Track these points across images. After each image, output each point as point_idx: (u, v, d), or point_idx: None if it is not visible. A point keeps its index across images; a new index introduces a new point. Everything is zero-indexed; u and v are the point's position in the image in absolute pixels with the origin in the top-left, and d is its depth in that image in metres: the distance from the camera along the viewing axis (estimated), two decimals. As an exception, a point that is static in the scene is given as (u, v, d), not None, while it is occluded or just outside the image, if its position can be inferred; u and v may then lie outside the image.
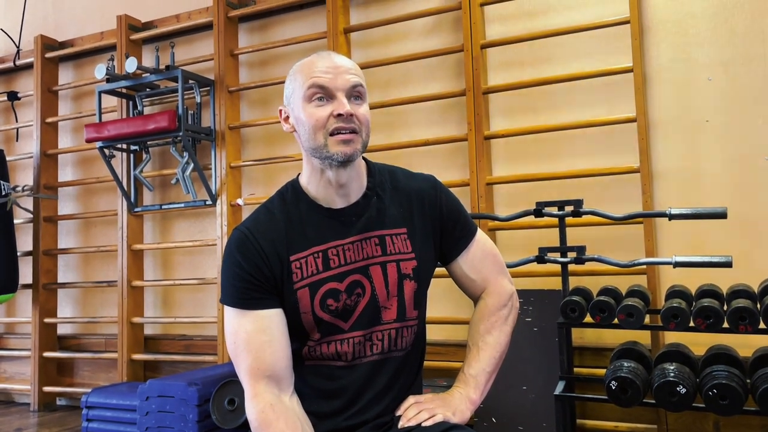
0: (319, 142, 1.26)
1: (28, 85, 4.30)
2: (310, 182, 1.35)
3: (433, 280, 1.44)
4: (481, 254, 1.45)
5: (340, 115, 1.25)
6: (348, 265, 1.32)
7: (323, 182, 1.33)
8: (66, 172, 4.22)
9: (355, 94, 1.29)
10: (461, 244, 1.43)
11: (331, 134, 1.26)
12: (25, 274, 4.06)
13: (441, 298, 2.99)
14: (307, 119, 1.27)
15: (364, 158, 1.39)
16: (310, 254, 1.31)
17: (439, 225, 1.41)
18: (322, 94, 1.27)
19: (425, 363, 1.48)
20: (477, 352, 1.40)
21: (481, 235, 1.46)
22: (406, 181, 1.42)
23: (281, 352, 1.28)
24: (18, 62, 4.29)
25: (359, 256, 1.33)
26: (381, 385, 1.35)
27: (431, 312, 2.74)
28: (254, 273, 1.28)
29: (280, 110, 1.37)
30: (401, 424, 1.30)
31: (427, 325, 1.51)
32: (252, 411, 1.25)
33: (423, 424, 1.28)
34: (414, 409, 1.32)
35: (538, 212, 2.63)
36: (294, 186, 1.38)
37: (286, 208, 1.35)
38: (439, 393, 1.39)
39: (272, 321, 1.28)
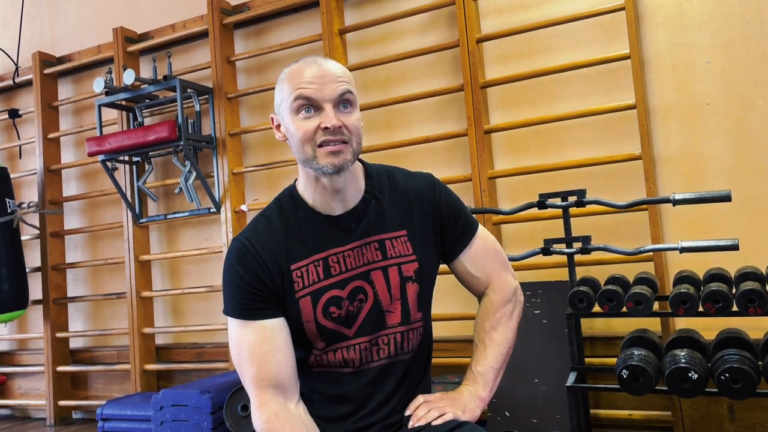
0: (308, 154, 1.25)
1: (28, 102, 4.32)
2: (306, 189, 1.34)
3: (440, 277, 1.43)
4: (483, 251, 1.44)
5: (327, 128, 1.23)
6: (349, 271, 1.32)
7: (319, 189, 1.32)
8: (70, 187, 4.24)
9: (343, 102, 1.26)
10: (463, 242, 1.42)
11: (320, 146, 1.24)
12: (35, 290, 4.09)
13: (449, 295, 2.98)
14: (295, 131, 1.26)
15: (360, 160, 1.38)
16: (311, 262, 1.31)
17: (439, 224, 1.40)
18: (309, 105, 1.24)
19: (435, 360, 1.48)
20: (484, 349, 1.40)
21: (482, 231, 1.46)
22: (405, 181, 1.41)
23: (285, 361, 1.28)
24: (17, 79, 4.31)
25: (360, 262, 1.32)
26: (389, 388, 1.34)
27: (439, 309, 2.74)
28: (255, 284, 1.28)
29: (272, 118, 1.35)
30: (411, 423, 1.30)
31: (436, 323, 1.50)
32: (258, 420, 1.25)
33: (433, 423, 1.28)
34: (423, 409, 1.32)
35: (541, 204, 2.62)
36: (291, 193, 1.37)
37: (284, 217, 1.34)
38: (448, 391, 1.38)
39: (275, 330, 1.28)
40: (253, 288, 1.28)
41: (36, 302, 4.07)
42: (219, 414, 2.83)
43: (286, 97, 1.27)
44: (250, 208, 3.57)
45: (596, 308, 2.35)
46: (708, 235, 2.58)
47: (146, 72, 3.89)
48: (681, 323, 2.58)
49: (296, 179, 1.39)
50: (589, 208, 2.69)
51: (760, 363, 2.06)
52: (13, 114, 4.30)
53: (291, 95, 1.26)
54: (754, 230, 2.59)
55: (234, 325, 1.30)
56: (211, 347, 3.73)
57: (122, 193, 3.74)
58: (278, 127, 1.34)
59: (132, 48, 3.89)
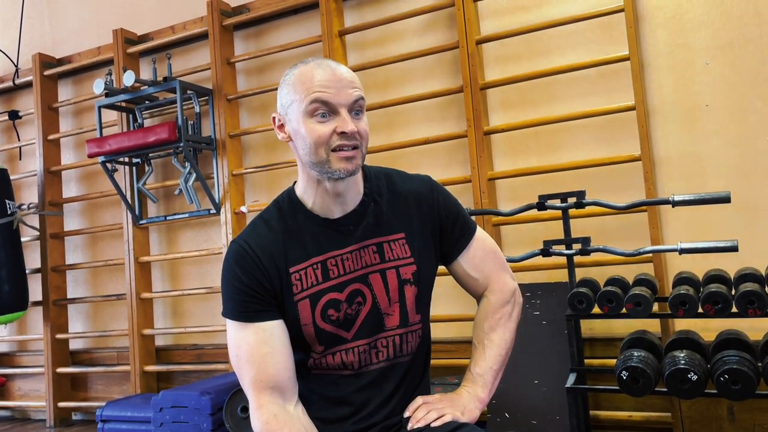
0: (321, 157, 1.25)
1: (28, 104, 4.32)
2: (306, 192, 1.34)
3: (439, 278, 1.44)
4: (482, 252, 1.44)
5: (343, 133, 1.23)
6: (347, 274, 1.32)
7: (320, 192, 1.32)
8: (70, 188, 4.24)
9: (356, 108, 1.27)
10: (461, 244, 1.42)
11: (333, 150, 1.24)
12: (35, 291, 4.09)
13: (448, 296, 2.98)
14: (309, 134, 1.24)
15: None
16: (309, 265, 1.31)
17: (438, 226, 1.40)
18: (325, 110, 1.24)
19: (435, 362, 1.48)
20: (483, 350, 1.39)
21: (480, 232, 1.46)
22: (403, 183, 1.41)
23: (283, 363, 1.28)
24: (17, 81, 4.31)
25: (358, 265, 1.32)
26: (388, 390, 1.34)
27: (439, 310, 2.74)
28: (254, 286, 1.28)
29: (274, 117, 1.34)
30: (410, 425, 1.30)
31: (436, 324, 1.50)
32: (257, 422, 1.26)
33: (432, 425, 1.28)
34: (423, 410, 1.31)
35: (541, 205, 2.62)
36: (290, 195, 1.37)
37: (283, 219, 1.34)
38: (447, 393, 1.38)
39: (273, 332, 1.28)
40: (251, 290, 1.28)
41: (36, 303, 4.07)
42: (219, 415, 2.83)
43: (298, 99, 1.26)
44: (250, 209, 3.57)
45: (596, 309, 2.36)
46: (707, 237, 2.58)
47: (146, 73, 3.89)
48: (680, 324, 2.58)
49: (295, 182, 1.39)
50: (589, 209, 2.69)
51: (759, 364, 2.06)
52: (13, 115, 4.31)
53: (306, 98, 1.24)
54: (753, 231, 2.59)
55: (232, 327, 1.31)
56: (210, 348, 3.73)
57: (122, 195, 3.74)
58: (281, 127, 1.32)
59: (132, 49, 3.90)
